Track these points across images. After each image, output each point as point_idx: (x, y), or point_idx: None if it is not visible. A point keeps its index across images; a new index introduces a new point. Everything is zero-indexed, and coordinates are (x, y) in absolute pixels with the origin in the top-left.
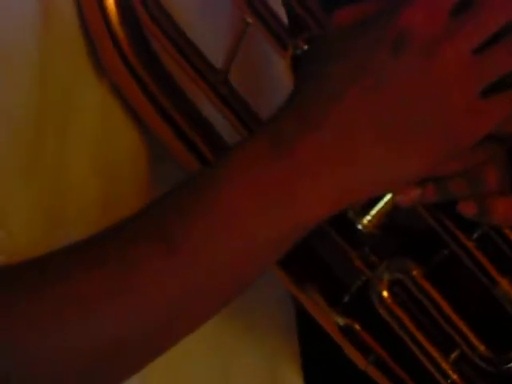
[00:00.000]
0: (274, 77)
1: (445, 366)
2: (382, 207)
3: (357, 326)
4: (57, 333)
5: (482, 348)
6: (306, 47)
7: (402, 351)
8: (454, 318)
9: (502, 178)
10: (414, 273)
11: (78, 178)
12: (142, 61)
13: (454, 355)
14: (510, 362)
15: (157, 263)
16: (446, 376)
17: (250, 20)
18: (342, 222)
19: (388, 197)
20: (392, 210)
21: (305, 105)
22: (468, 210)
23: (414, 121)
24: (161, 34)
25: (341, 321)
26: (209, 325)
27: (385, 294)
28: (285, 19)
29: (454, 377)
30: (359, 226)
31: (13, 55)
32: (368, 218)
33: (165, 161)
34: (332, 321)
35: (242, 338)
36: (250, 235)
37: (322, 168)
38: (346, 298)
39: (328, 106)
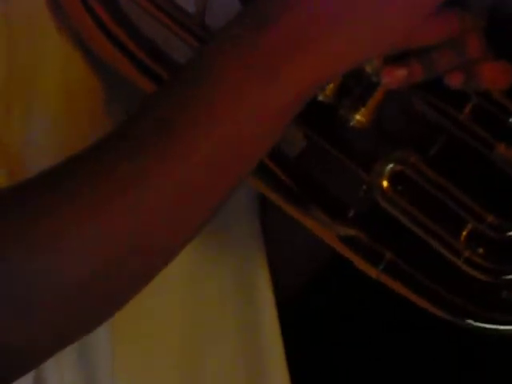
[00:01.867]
0: None
1: (456, 244)
2: (373, 99)
3: (363, 236)
4: (76, 241)
5: (490, 218)
6: None
7: (411, 252)
8: (458, 194)
9: (484, 47)
10: (413, 160)
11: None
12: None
13: (464, 233)
14: None
15: (160, 154)
16: (459, 254)
17: None
18: (333, 136)
19: (378, 87)
20: (382, 101)
21: None
22: (455, 79)
23: None
24: None
25: (345, 232)
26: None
27: (385, 184)
28: None
29: (467, 254)
30: (352, 123)
31: None
32: (361, 111)
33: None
34: (336, 235)
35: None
36: (239, 110)
37: (306, 38)
38: (352, 213)
39: None
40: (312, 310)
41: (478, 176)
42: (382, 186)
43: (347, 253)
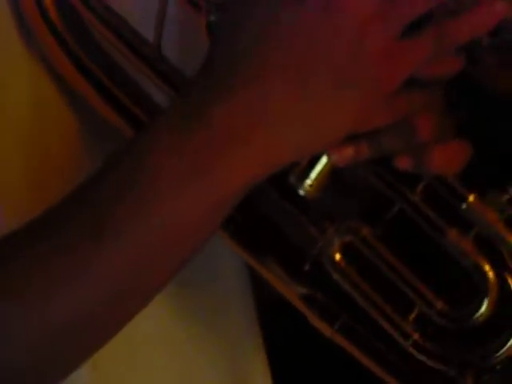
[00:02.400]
0: None
1: (405, 326)
2: (321, 170)
3: (319, 295)
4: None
5: (439, 304)
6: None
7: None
8: (408, 275)
9: (440, 126)
10: (364, 232)
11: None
12: (73, 34)
13: (413, 314)
14: (468, 317)
15: (87, 254)
16: (406, 336)
17: None
18: (290, 191)
19: (324, 159)
20: (332, 171)
21: (215, 70)
22: (403, 164)
23: (331, 70)
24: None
25: (303, 291)
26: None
27: (337, 257)
28: None
29: (416, 336)
30: (301, 192)
31: None
32: (308, 182)
33: (98, 137)
34: (294, 292)
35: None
36: (179, 209)
37: (240, 134)
38: (307, 267)
39: (237, 66)
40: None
41: (429, 258)
42: (332, 255)
43: (302, 308)
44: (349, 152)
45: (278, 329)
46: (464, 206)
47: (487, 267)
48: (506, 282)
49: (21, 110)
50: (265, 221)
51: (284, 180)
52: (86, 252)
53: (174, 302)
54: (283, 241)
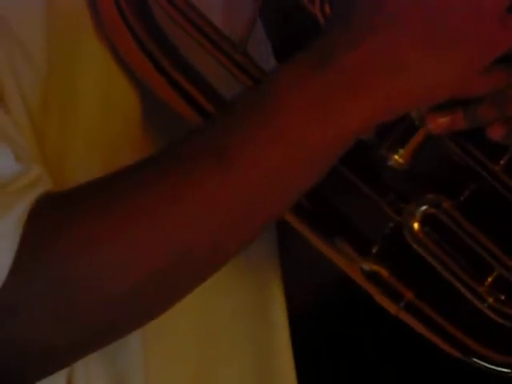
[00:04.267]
0: None
1: (481, 290)
2: (413, 142)
3: (385, 273)
4: (124, 248)
5: None
6: None
7: (434, 294)
8: (487, 242)
9: None
10: (445, 205)
11: (79, 150)
12: (143, 24)
13: (489, 279)
14: None
15: (211, 179)
16: (482, 299)
17: None
18: (368, 174)
19: (419, 131)
20: (423, 143)
21: (346, 21)
22: (496, 132)
23: (450, 28)
24: (180, 17)
25: (369, 268)
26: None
27: (416, 226)
28: None
29: (490, 300)
30: (391, 162)
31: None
32: (400, 152)
33: (161, 123)
34: (359, 269)
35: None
36: (300, 145)
37: (370, 77)
38: (376, 249)
39: (370, 18)
40: (325, 328)
41: (507, 225)
42: (413, 227)
43: (369, 287)
44: (446, 120)
45: (308, 331)
46: None
47: None
48: None
49: (90, 100)
50: (336, 200)
51: (358, 159)
52: (211, 170)
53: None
54: (354, 225)
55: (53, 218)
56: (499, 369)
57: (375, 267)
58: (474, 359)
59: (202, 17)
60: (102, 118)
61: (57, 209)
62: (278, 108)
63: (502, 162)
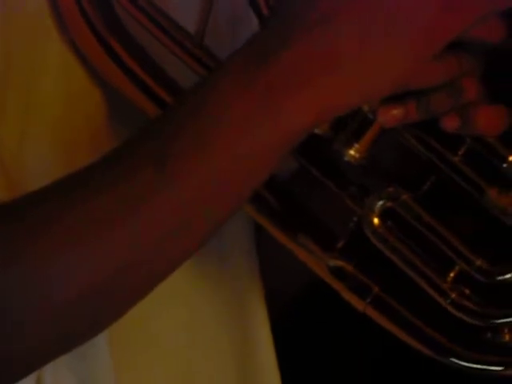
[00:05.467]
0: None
1: (444, 286)
2: (368, 135)
3: (350, 269)
4: (65, 263)
5: (478, 262)
6: None
7: (399, 288)
8: (448, 236)
9: (481, 91)
10: (404, 197)
11: (40, 150)
12: (105, 20)
13: (452, 274)
14: (507, 273)
15: (150, 185)
16: (446, 296)
17: None
18: (328, 166)
19: (372, 122)
20: (377, 136)
21: (282, 18)
22: (450, 123)
23: (387, 18)
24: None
25: (334, 264)
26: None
27: (376, 221)
28: None
29: (453, 295)
30: (346, 158)
31: None
32: (355, 147)
33: (126, 121)
34: (325, 265)
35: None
36: (245, 144)
37: (308, 75)
38: (341, 244)
39: (305, 15)
40: (305, 323)
41: (468, 218)
42: (372, 222)
43: (334, 283)
44: (398, 112)
45: (289, 328)
46: (505, 165)
47: None
48: None
49: (52, 98)
50: (297, 196)
51: (318, 154)
52: (149, 181)
53: (184, 287)
54: (316, 214)
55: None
56: (473, 366)
57: (340, 262)
58: (452, 359)
59: (158, 11)
60: (65, 117)
61: (5, 222)
62: (221, 108)
63: (460, 153)
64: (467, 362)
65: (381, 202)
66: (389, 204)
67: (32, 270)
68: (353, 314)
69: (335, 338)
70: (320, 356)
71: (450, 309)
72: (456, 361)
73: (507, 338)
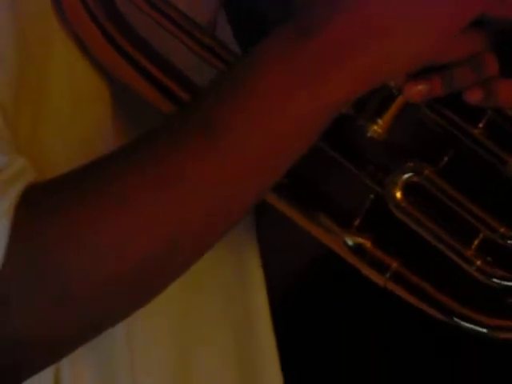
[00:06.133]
0: None
1: (468, 253)
2: (391, 111)
3: (368, 244)
4: (109, 236)
5: (502, 229)
6: None
7: (417, 261)
8: (472, 206)
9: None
10: (427, 172)
11: (51, 146)
12: (110, 17)
13: (476, 242)
14: None
15: (199, 153)
16: (470, 263)
17: None
18: (346, 146)
19: (396, 100)
20: (401, 111)
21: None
22: (475, 96)
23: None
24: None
25: (352, 241)
26: None
27: (398, 195)
28: None
29: (478, 262)
30: (370, 133)
31: None
32: (378, 123)
33: (134, 118)
34: (343, 243)
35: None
36: (286, 115)
37: (351, 45)
38: (357, 221)
39: None
40: (305, 310)
41: (490, 188)
42: (395, 196)
43: (354, 261)
44: (423, 87)
45: (289, 314)
46: None
47: None
48: None
49: (62, 96)
50: (316, 176)
51: (336, 133)
52: (200, 147)
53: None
54: (334, 200)
55: (40, 207)
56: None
57: (358, 239)
58: (455, 319)
59: (167, 3)
60: (74, 113)
61: (43, 198)
62: (264, 80)
63: (480, 125)
64: (488, 329)
65: (405, 177)
66: (413, 178)
67: (78, 246)
68: (353, 296)
69: (336, 322)
70: (321, 338)
71: (476, 275)
72: (479, 328)
73: None
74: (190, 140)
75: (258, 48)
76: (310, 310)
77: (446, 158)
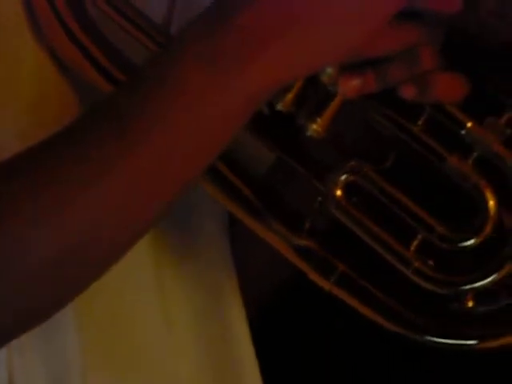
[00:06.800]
0: None
1: (407, 254)
2: (329, 109)
3: (315, 248)
4: (34, 227)
5: (440, 229)
6: None
7: (364, 265)
8: (409, 205)
9: (438, 61)
10: (366, 170)
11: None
12: (77, 20)
13: (414, 243)
14: (469, 238)
15: (110, 145)
16: (408, 264)
17: None
18: (293, 147)
19: (335, 98)
20: (338, 109)
21: None
22: (408, 91)
23: None
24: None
25: (299, 243)
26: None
27: (338, 193)
28: None
29: (416, 264)
30: (309, 132)
31: None
32: (318, 121)
33: None
34: (290, 245)
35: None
36: (200, 107)
37: (267, 35)
38: (307, 225)
39: None
40: (282, 318)
41: (429, 187)
42: (335, 195)
43: (300, 264)
44: (357, 82)
45: (268, 326)
46: (463, 131)
47: (486, 187)
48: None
49: (25, 100)
50: (264, 180)
51: (283, 133)
52: (110, 151)
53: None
54: (281, 195)
55: None
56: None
57: (304, 242)
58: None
59: (126, 3)
60: (38, 118)
61: None
62: (182, 72)
63: (419, 122)
64: (435, 336)
65: (343, 176)
66: (351, 177)
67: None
68: (330, 308)
69: (313, 332)
70: (299, 349)
71: (413, 277)
72: (425, 337)
73: (470, 304)
74: (103, 144)
75: (178, 37)
76: (286, 322)
77: (388, 157)
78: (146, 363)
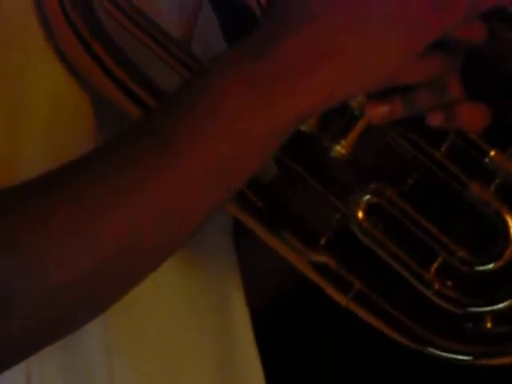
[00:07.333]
0: None
1: (426, 276)
2: (354, 132)
3: (333, 264)
4: (71, 239)
5: (461, 253)
6: None
7: (381, 282)
8: (430, 228)
9: (462, 89)
10: (388, 192)
11: (30, 152)
12: (89, 26)
13: (435, 265)
14: (490, 262)
15: (152, 157)
16: (428, 286)
17: None
18: (314, 166)
19: (359, 121)
20: (363, 133)
21: (283, 10)
22: (435, 119)
23: (382, 12)
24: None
25: (316, 259)
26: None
27: (360, 215)
28: None
29: (436, 286)
30: (333, 153)
31: None
32: (342, 143)
33: (113, 125)
34: (307, 261)
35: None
36: (236, 137)
37: (307, 62)
38: (323, 241)
39: (306, 6)
40: (285, 323)
41: (451, 211)
42: (357, 216)
43: (317, 279)
44: (384, 109)
45: (271, 330)
46: (487, 160)
47: (507, 214)
48: None
49: (40, 102)
50: (280, 195)
51: (304, 152)
52: (150, 164)
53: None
54: (300, 211)
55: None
56: (458, 357)
57: (323, 258)
58: (430, 349)
59: (145, 17)
60: (53, 120)
61: (4, 207)
62: (218, 98)
63: (443, 149)
64: (447, 352)
65: (366, 197)
66: (374, 199)
67: (34, 256)
68: (333, 312)
69: (316, 335)
70: (303, 352)
71: (434, 298)
72: (436, 352)
73: (489, 325)
74: (144, 156)
75: (214, 64)
76: (290, 327)
77: (410, 181)
78: (172, 371)
